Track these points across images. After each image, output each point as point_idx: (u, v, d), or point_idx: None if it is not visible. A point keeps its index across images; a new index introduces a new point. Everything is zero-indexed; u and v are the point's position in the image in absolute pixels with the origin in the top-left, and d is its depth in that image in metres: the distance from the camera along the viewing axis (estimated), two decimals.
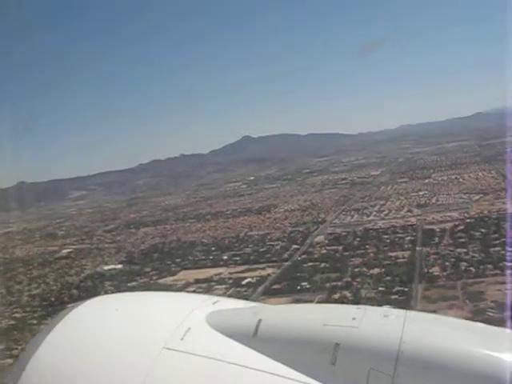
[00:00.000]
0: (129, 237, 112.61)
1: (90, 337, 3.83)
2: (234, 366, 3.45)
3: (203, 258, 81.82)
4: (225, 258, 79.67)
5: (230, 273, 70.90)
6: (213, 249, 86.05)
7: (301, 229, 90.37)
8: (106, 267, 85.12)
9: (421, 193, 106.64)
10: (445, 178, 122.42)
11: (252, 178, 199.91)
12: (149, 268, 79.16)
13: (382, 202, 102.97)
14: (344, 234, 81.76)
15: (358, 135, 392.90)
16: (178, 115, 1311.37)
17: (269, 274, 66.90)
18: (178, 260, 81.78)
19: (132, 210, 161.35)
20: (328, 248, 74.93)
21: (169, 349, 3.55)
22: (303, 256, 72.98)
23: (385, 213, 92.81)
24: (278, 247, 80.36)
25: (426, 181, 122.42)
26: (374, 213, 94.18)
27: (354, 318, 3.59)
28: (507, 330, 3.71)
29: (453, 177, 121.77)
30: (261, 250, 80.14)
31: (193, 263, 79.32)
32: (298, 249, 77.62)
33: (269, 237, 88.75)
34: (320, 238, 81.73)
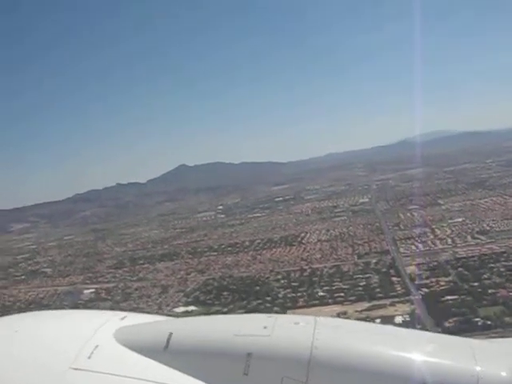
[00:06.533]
0: (153, 274, 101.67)
1: None
2: (144, 382, 3.41)
3: (294, 295, 74.29)
4: (322, 294, 72.87)
5: (357, 311, 64.43)
6: (294, 284, 78.64)
7: (373, 260, 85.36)
8: (178, 310, 74.89)
9: (459, 219, 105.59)
10: (460, 204, 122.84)
11: (221, 206, 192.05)
12: (243, 310, 70.23)
13: (427, 230, 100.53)
14: (434, 263, 78.05)
15: (289, 163, 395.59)
16: (109, 144, 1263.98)
17: (414, 311, 61.24)
18: (268, 298, 73.75)
19: (109, 243, 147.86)
20: (441, 279, 70.71)
21: (75, 369, 3.45)
22: (425, 289, 67.92)
23: (449, 241, 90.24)
24: (375, 280, 74.81)
25: (443, 207, 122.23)
26: (437, 241, 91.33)
27: (265, 327, 3.68)
28: (417, 331, 4.14)
29: (468, 203, 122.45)
30: (360, 284, 74.14)
31: (292, 301, 71.65)
32: (402, 281, 72.65)
33: (344, 270, 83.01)
34: (412, 269, 77.24)
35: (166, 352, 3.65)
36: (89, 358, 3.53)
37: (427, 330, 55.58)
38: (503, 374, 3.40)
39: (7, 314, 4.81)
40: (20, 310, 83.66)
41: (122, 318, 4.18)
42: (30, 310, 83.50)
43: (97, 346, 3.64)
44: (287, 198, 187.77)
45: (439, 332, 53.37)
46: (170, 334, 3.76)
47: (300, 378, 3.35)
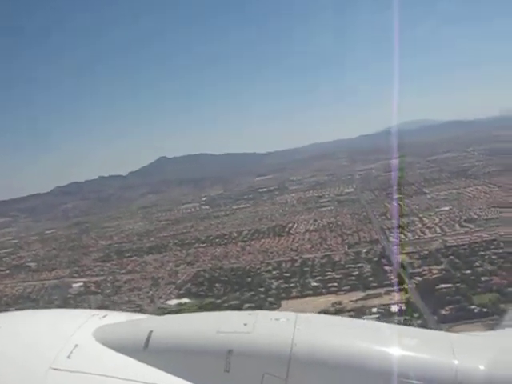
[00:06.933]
0: (141, 266, 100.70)
1: None
2: (124, 381, 3.38)
3: (287, 285, 74.04)
4: (315, 284, 72.77)
5: (352, 301, 64.36)
6: (286, 275, 78.42)
7: (363, 249, 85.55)
8: (171, 302, 74.18)
9: (445, 208, 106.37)
10: (445, 192, 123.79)
11: (205, 198, 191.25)
12: (236, 301, 69.87)
13: (415, 219, 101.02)
14: (425, 252, 78.44)
15: (270, 154, 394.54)
16: (89, 137, 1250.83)
17: (409, 299, 61.40)
18: (261, 289, 73.38)
19: (94, 236, 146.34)
20: (433, 268, 71.11)
21: (55, 369, 3.40)
22: (418, 278, 68.18)
23: (437, 230, 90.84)
24: (367, 270, 74.98)
25: (429, 196, 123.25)
26: (426, 230, 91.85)
27: (245, 324, 3.69)
28: (396, 326, 4.11)
29: (453, 191, 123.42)
30: (353, 273, 74.28)
31: (286, 292, 71.37)
32: (394, 270, 72.84)
33: (335, 259, 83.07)
34: (403, 258, 77.37)
35: (146, 350, 3.65)
36: (68, 357, 3.50)
37: (424, 318, 56.04)
38: (481, 367, 3.46)
39: None
40: (8, 305, 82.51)
41: (103, 317, 4.13)
42: (18, 304, 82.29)
43: (76, 346, 3.62)
44: (271, 188, 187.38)
45: (431, 324, 54.26)
46: (150, 332, 3.76)
47: (280, 374, 3.39)
